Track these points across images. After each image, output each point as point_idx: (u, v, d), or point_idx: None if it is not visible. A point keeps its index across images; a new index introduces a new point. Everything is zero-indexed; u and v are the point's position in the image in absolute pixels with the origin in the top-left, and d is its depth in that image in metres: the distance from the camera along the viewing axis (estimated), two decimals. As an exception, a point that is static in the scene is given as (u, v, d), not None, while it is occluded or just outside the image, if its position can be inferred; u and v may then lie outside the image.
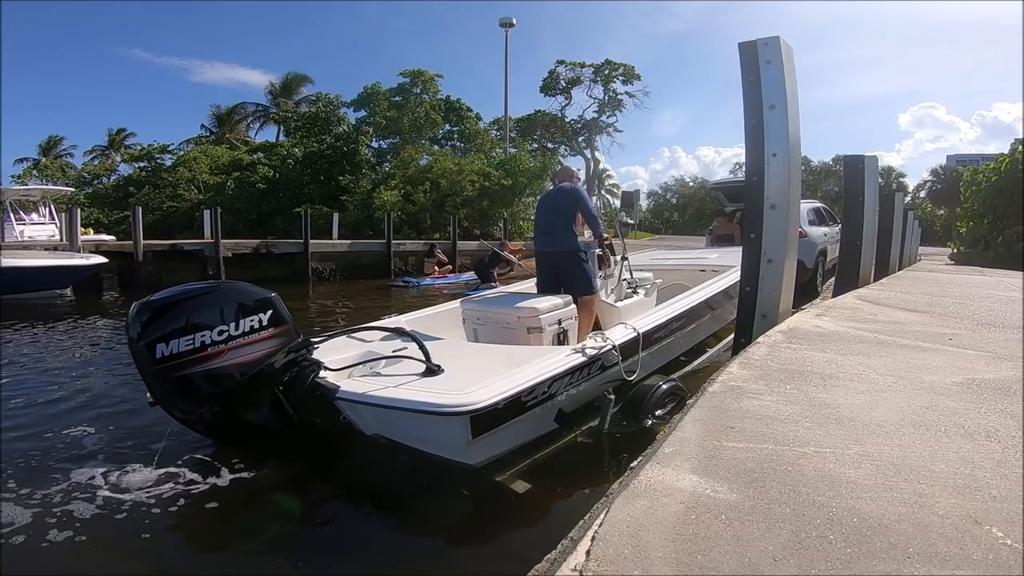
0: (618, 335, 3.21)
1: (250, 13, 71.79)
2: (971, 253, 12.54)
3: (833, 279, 6.67)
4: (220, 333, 2.49)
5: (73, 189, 23.03)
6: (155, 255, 12.74)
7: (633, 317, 3.71)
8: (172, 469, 2.69)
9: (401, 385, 2.50)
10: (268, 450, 2.81)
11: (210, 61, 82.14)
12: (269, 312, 2.64)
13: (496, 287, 9.95)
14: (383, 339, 3.18)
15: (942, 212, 38.04)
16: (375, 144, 24.21)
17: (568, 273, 3.82)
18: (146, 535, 2.19)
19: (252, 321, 2.57)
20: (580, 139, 36.76)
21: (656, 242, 21.96)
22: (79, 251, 11.33)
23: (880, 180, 9.13)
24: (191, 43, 66.90)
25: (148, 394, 2.58)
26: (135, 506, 2.36)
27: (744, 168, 3.42)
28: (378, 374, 2.78)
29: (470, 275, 12.81)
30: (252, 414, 2.71)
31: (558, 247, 3.85)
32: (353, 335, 3.21)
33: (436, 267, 13.52)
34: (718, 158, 76.21)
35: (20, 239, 13.14)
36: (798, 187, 3.25)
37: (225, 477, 2.61)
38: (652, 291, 4.57)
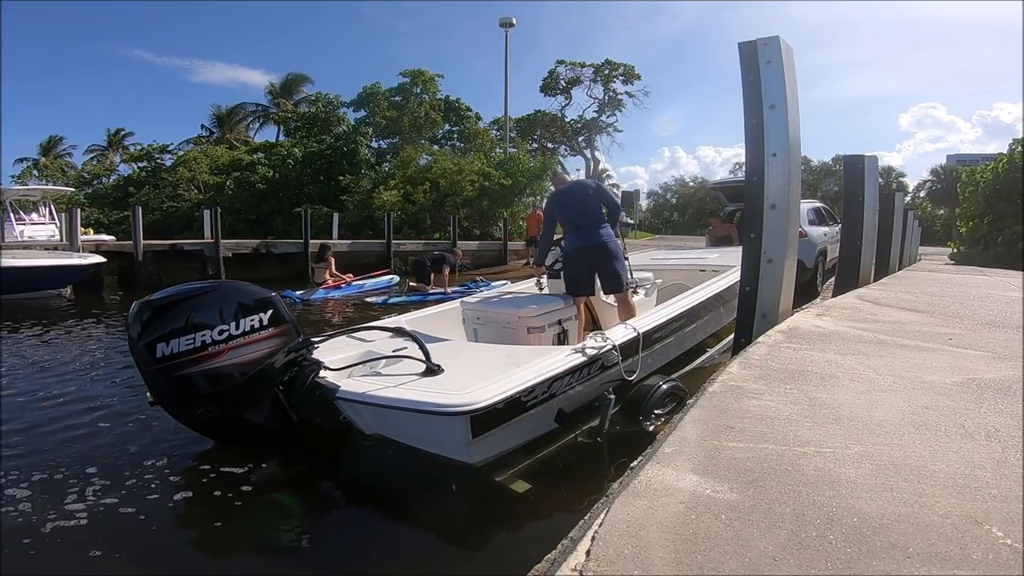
0: (618, 335, 3.21)
1: (251, 13, 71.71)
2: (971, 253, 12.54)
3: (833, 279, 6.66)
4: (221, 332, 2.49)
5: (73, 189, 23.05)
6: (155, 255, 12.75)
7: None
8: (172, 469, 2.69)
9: (401, 385, 2.50)
10: (268, 450, 2.81)
11: (211, 61, 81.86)
12: (270, 312, 2.64)
13: (432, 292, 8.79)
14: (383, 339, 3.18)
15: (942, 212, 38.02)
16: (375, 144, 24.21)
17: (604, 270, 3.80)
18: (145, 535, 2.19)
19: (253, 320, 2.58)
20: (580, 139, 36.73)
21: (656, 242, 21.95)
22: (79, 251, 11.34)
23: (880, 180, 9.13)
24: (192, 43, 66.72)
25: (148, 394, 2.58)
26: (134, 506, 2.36)
27: (744, 168, 3.41)
28: (378, 374, 2.79)
29: (386, 280, 10.72)
30: (252, 414, 2.71)
31: (595, 240, 3.79)
32: (353, 335, 3.21)
33: (329, 274, 10.27)
34: (718, 158, 75.92)
35: (20, 239, 13.14)
36: (798, 187, 3.25)
37: (225, 477, 2.61)
38: (652, 291, 4.57)
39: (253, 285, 2.74)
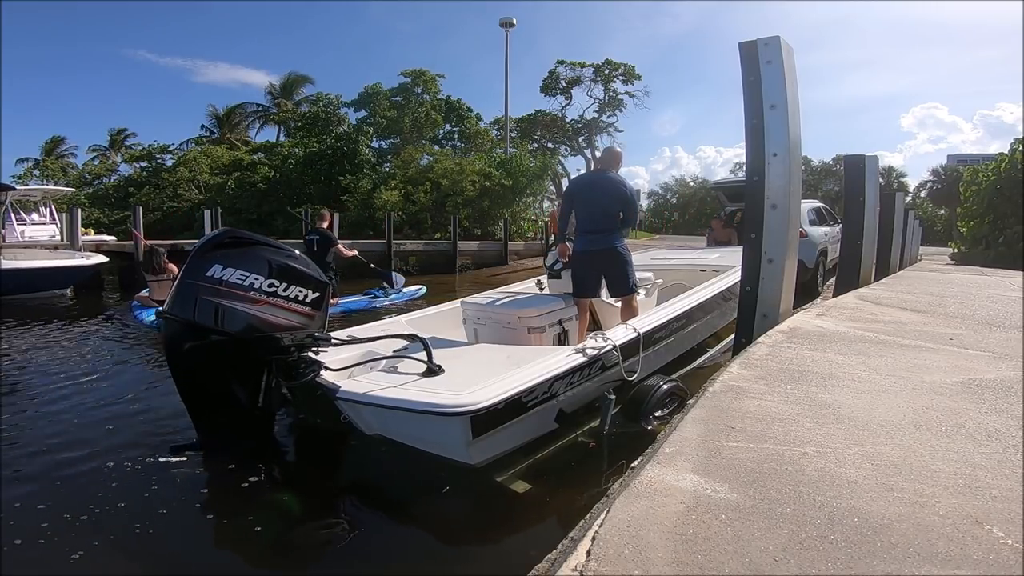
0: (618, 335, 3.20)
1: (252, 13, 71.87)
2: (972, 253, 12.55)
3: (834, 279, 6.66)
4: (271, 286, 2.60)
5: (73, 189, 23.02)
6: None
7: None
8: (170, 469, 2.69)
9: (402, 385, 2.50)
10: (267, 449, 2.81)
11: (213, 61, 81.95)
12: (317, 294, 2.73)
13: (335, 302, 6.59)
14: (383, 339, 3.18)
15: (943, 212, 38.03)
16: (375, 144, 24.18)
17: (612, 273, 3.80)
18: (144, 534, 2.19)
19: (299, 292, 2.68)
20: (580, 139, 36.72)
21: (656, 242, 21.95)
22: (80, 251, 11.34)
23: (881, 180, 9.13)
24: (194, 43, 66.97)
25: (161, 306, 2.70)
26: (133, 505, 2.36)
27: (745, 168, 3.41)
28: (379, 374, 2.79)
29: None
30: (233, 378, 2.70)
31: (606, 245, 3.77)
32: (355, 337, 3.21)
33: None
34: (719, 158, 75.74)
35: (21, 239, 13.15)
36: (799, 187, 3.25)
37: (225, 477, 2.61)
38: (652, 291, 4.56)
39: (317, 267, 2.87)
